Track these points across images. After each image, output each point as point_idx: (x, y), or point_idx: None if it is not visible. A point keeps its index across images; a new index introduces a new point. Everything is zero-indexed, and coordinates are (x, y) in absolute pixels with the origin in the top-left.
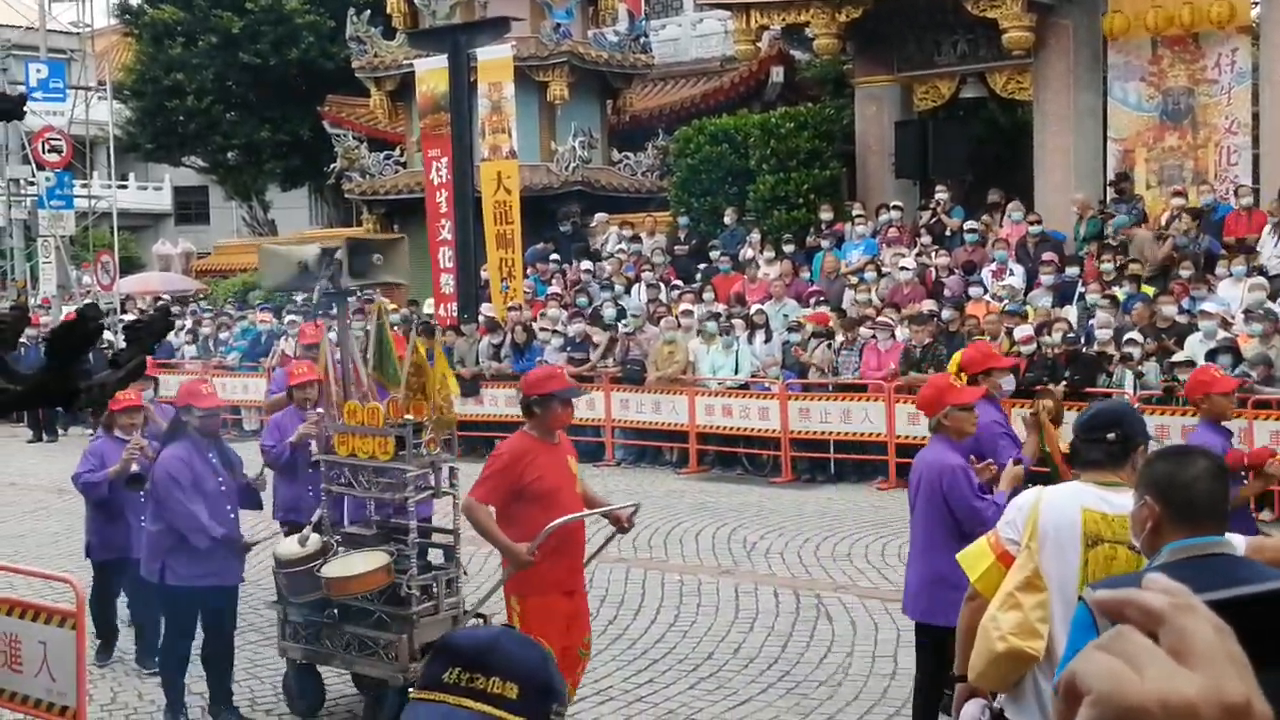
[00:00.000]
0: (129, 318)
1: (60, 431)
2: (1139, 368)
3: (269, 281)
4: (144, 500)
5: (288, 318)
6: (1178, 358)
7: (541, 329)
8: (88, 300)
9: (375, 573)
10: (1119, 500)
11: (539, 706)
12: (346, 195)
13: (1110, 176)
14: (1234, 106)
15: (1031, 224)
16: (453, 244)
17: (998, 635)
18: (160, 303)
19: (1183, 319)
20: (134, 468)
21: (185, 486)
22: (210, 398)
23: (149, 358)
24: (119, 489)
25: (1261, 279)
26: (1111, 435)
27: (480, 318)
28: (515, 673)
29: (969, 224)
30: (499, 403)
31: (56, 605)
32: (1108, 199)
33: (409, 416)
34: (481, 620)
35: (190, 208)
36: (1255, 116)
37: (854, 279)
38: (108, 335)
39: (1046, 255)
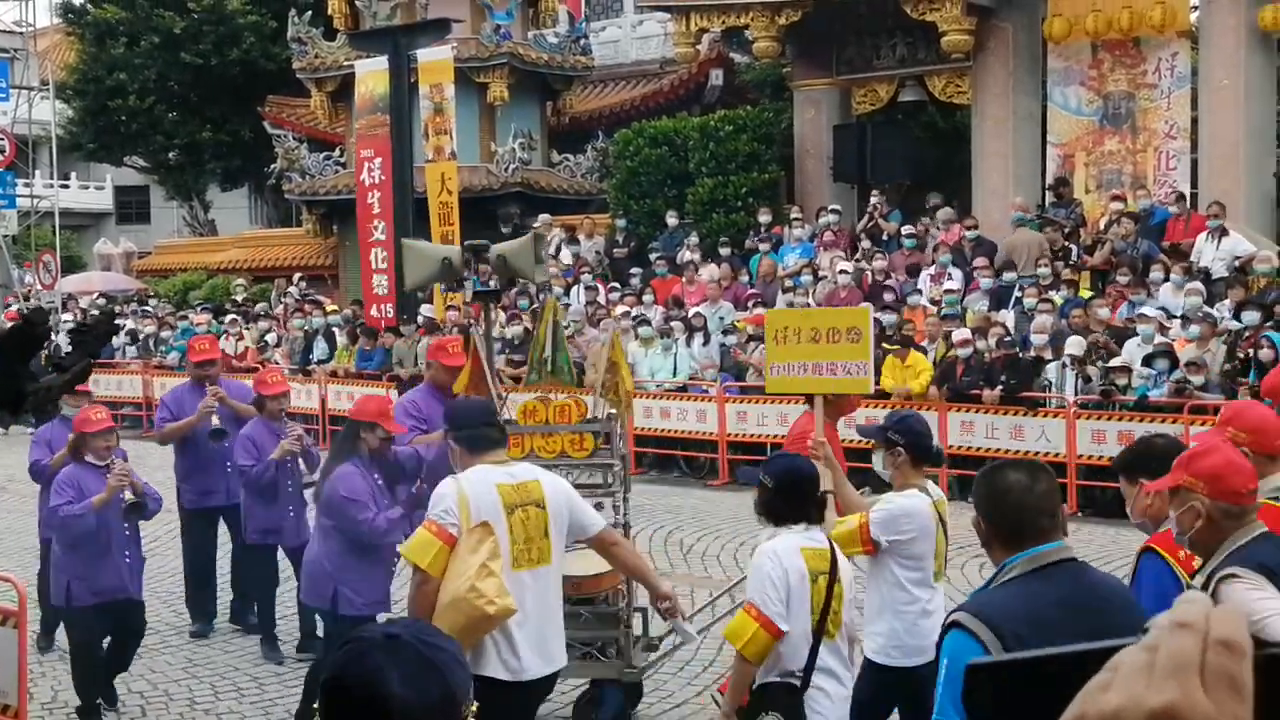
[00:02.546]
0: (69, 317)
1: (2, 430)
2: (1085, 370)
3: (412, 278)
4: (127, 531)
5: (228, 318)
6: (1115, 362)
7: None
8: (30, 299)
9: (616, 571)
10: (517, 470)
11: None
12: (286, 196)
13: (1049, 181)
14: (1173, 111)
15: (967, 228)
16: (385, 244)
17: (485, 602)
18: (104, 306)
19: (1128, 322)
20: (128, 495)
21: (366, 505)
22: (396, 423)
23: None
24: (112, 519)
25: (1198, 283)
26: (502, 420)
27: (420, 319)
28: (417, 715)
29: (906, 229)
30: None
31: None
32: (1046, 203)
33: (612, 411)
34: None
35: (131, 207)
36: (1194, 121)
37: (789, 282)
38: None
39: (979, 260)
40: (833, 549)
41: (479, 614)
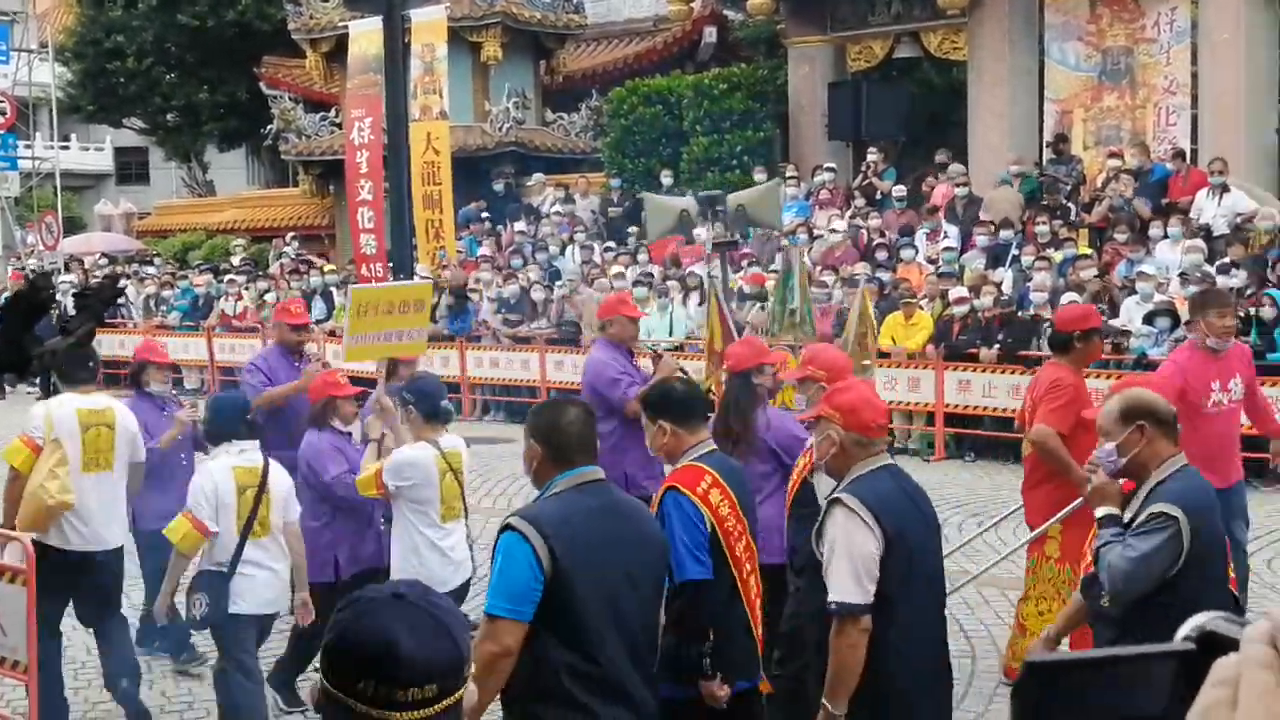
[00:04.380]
0: (72, 277)
1: (9, 389)
2: None
3: (653, 230)
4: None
5: (226, 278)
6: (1114, 322)
7: (471, 290)
8: (32, 259)
9: None
10: (96, 400)
11: (456, 679)
12: (283, 156)
13: (1048, 137)
14: (1173, 66)
15: (958, 186)
16: (372, 204)
17: (48, 496)
18: (109, 270)
19: (1127, 281)
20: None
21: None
22: (772, 355)
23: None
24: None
25: (1199, 241)
26: (91, 363)
27: (416, 278)
28: (428, 673)
29: (898, 188)
30: (434, 363)
31: (6, 562)
32: (1044, 160)
33: (867, 363)
34: None
35: (131, 168)
36: (1194, 76)
37: (785, 241)
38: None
39: (984, 216)
40: (266, 465)
41: (43, 505)
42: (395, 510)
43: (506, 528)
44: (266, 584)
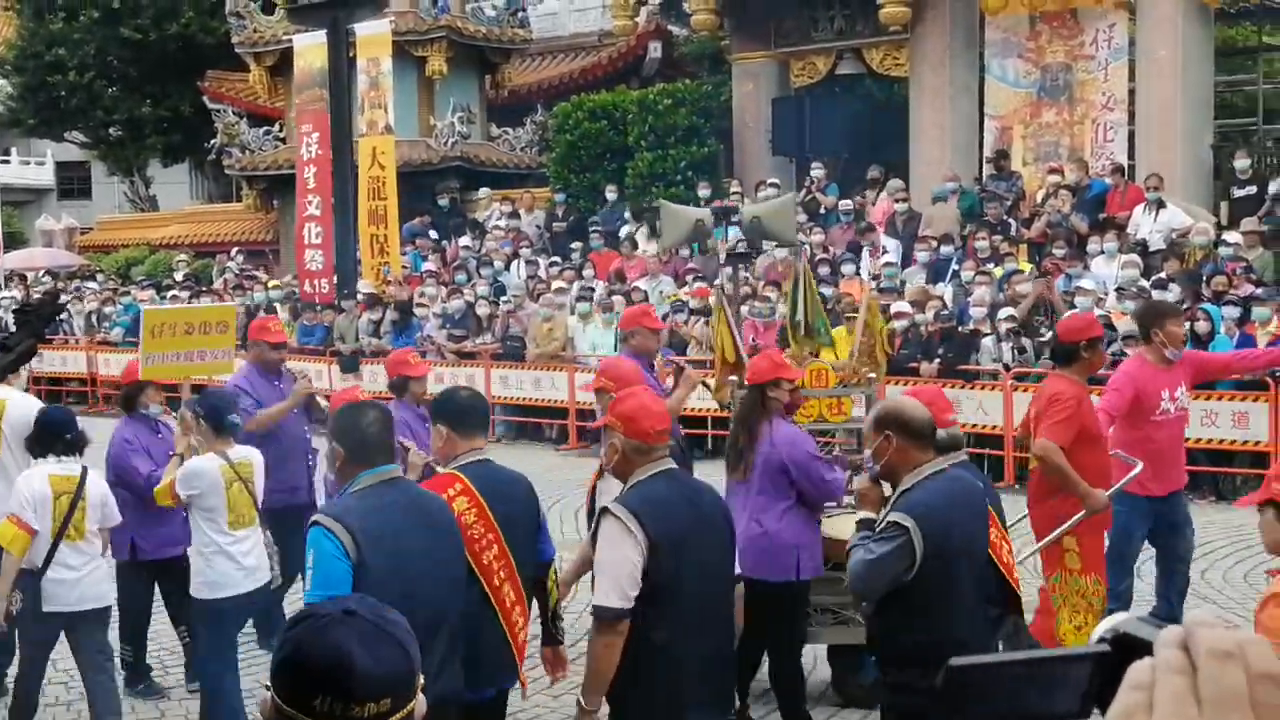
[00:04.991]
0: (14, 293)
1: None
2: (1020, 342)
3: (667, 239)
4: None
5: (170, 294)
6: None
7: (418, 305)
8: None
9: None
10: None
11: (409, 691)
12: (227, 171)
13: (988, 153)
14: (1111, 83)
15: (898, 201)
16: (320, 220)
17: None
18: (49, 286)
19: (1065, 295)
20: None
21: (819, 457)
22: (791, 370)
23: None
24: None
25: (1134, 256)
26: None
27: (360, 294)
28: (382, 687)
29: (843, 203)
30: (379, 379)
31: None
32: (983, 176)
33: (872, 375)
34: None
35: (73, 183)
36: (1132, 93)
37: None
38: None
39: (924, 232)
40: (84, 475)
41: None
42: (190, 517)
43: (314, 524)
44: (80, 583)
